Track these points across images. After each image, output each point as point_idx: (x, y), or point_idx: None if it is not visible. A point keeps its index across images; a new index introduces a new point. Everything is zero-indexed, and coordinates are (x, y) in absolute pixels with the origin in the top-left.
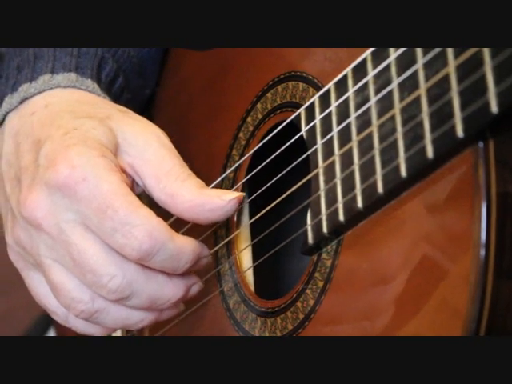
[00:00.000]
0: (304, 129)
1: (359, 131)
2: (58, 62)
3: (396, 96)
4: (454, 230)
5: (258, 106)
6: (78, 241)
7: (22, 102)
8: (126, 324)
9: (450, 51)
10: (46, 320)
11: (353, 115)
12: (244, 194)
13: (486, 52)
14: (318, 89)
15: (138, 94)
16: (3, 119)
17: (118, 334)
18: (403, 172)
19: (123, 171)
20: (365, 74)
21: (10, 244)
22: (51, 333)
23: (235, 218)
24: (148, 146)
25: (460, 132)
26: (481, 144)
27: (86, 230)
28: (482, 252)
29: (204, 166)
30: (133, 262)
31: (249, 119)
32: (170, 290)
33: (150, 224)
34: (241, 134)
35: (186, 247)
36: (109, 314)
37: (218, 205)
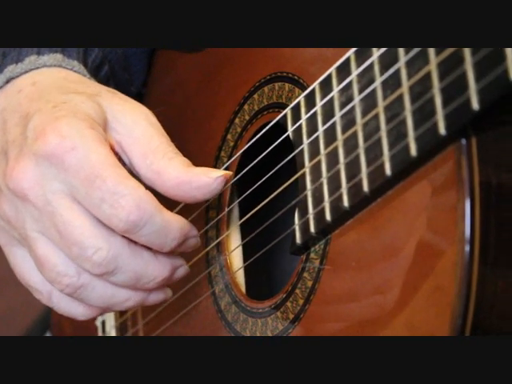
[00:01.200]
0: (290, 129)
1: (344, 130)
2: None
3: (379, 94)
4: (439, 226)
5: (246, 107)
6: (65, 212)
7: (7, 81)
8: (112, 302)
9: (431, 49)
10: (46, 320)
11: (337, 114)
12: (231, 172)
13: (467, 49)
14: (303, 89)
15: (123, 88)
16: None
17: (113, 334)
18: (387, 170)
19: (111, 148)
20: (348, 73)
21: None
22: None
23: (225, 219)
24: (136, 125)
25: (442, 129)
26: (463, 141)
27: (73, 201)
28: (467, 248)
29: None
30: (119, 236)
31: (236, 120)
32: (156, 268)
33: (137, 194)
34: (229, 136)
35: (174, 223)
36: (94, 290)
37: (204, 182)
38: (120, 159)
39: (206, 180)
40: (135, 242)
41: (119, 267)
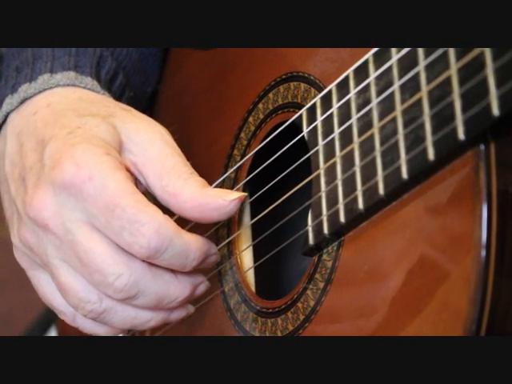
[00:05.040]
0: (305, 130)
1: (360, 133)
2: (57, 62)
3: (397, 98)
4: (455, 231)
5: (260, 106)
6: (85, 240)
7: (22, 102)
8: (134, 324)
9: (451, 54)
10: (46, 320)
11: (354, 117)
12: (246, 194)
13: (488, 54)
14: (319, 89)
15: (139, 91)
16: (4, 120)
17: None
18: (404, 174)
19: (127, 169)
20: (366, 75)
21: (16, 245)
22: (51, 332)
23: (236, 219)
24: (151, 144)
25: (461, 134)
26: (482, 146)
27: (92, 229)
28: (483, 253)
29: (206, 165)
30: (139, 261)
31: (250, 119)
32: (177, 289)
33: (157, 221)
34: (242, 134)
35: (194, 244)
36: (116, 314)
37: (220, 204)
38: (136, 180)
39: (222, 202)
40: (156, 265)
41: (141, 291)
